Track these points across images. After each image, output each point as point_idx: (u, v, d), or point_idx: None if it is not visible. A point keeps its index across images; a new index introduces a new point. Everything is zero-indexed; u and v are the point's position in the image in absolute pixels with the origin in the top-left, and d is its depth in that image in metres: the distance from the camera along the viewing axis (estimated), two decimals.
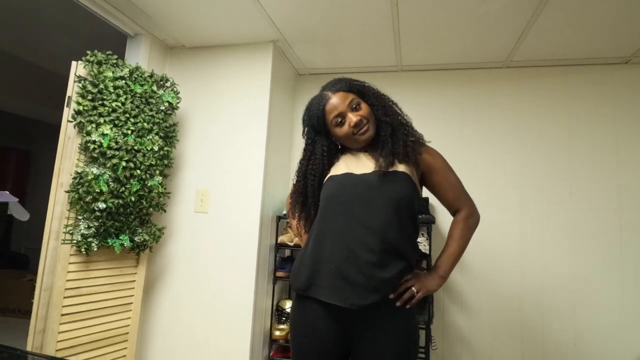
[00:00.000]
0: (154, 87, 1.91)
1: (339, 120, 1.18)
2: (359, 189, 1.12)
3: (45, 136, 4.52)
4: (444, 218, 2.25)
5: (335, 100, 1.18)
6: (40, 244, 1.60)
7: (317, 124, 1.22)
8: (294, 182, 1.31)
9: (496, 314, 2.16)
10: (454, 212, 1.25)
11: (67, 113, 1.70)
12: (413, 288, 1.09)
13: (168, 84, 2.02)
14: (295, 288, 1.18)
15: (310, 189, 1.24)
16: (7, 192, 0.86)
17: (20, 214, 0.87)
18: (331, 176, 1.20)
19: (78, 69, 1.70)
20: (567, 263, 2.10)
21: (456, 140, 2.34)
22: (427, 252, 2.00)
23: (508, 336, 2.13)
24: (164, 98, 1.94)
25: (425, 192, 2.29)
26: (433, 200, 2.22)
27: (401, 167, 1.15)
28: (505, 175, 2.25)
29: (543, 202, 2.18)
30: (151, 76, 1.92)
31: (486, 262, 2.20)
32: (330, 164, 1.24)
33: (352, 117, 1.16)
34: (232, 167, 2.14)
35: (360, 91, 1.20)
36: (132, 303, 1.90)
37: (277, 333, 2.13)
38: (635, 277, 2.02)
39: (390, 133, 1.17)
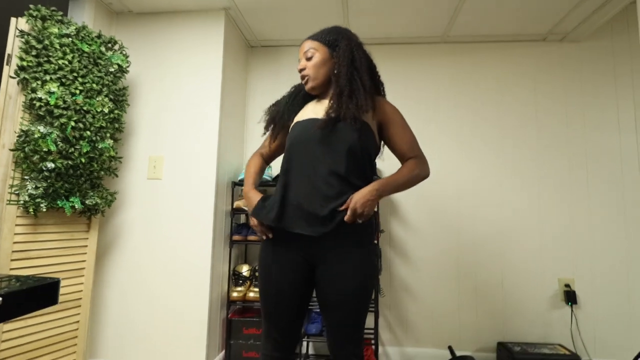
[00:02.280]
0: (102, 48, 1.88)
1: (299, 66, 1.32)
2: (318, 132, 1.21)
3: None
4: None
5: (302, 46, 1.31)
6: None
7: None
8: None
9: (435, 263, 2.39)
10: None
11: (7, 71, 1.63)
12: (350, 206, 1.14)
13: (116, 47, 1.98)
14: (267, 223, 1.24)
15: (283, 107, 1.36)
16: None
17: None
18: (296, 122, 1.30)
19: (19, 23, 1.63)
20: (495, 217, 2.38)
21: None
22: (374, 209, 2.16)
23: (446, 282, 2.37)
24: (113, 60, 1.90)
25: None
26: (380, 164, 2.40)
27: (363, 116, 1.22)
28: (441, 142, 2.47)
29: (474, 167, 2.43)
30: (99, 37, 1.88)
31: (426, 218, 2.42)
32: (305, 98, 1.37)
33: (300, 64, 1.31)
34: (185, 135, 2.15)
35: (332, 43, 1.28)
36: (84, 268, 1.87)
37: (235, 294, 2.19)
38: (551, 225, 2.34)
39: (338, 93, 1.22)
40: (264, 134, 1.42)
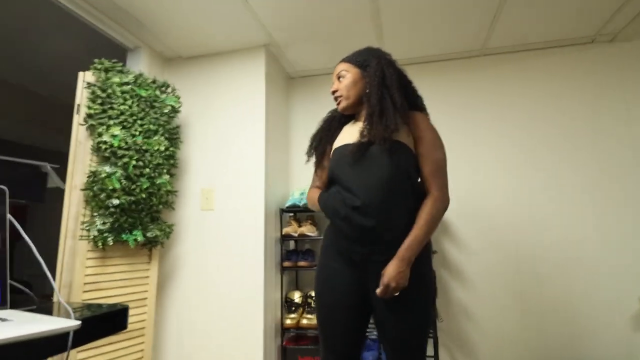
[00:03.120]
0: (157, 92, 2.04)
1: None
2: (350, 158, 1.23)
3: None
4: None
5: (335, 69, 1.37)
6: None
7: None
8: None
9: (494, 284, 2.25)
10: (426, 188, 1.24)
11: (77, 119, 1.81)
12: (384, 282, 1.11)
13: (169, 90, 2.14)
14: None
15: (320, 133, 1.43)
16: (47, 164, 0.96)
17: (59, 183, 0.97)
18: (335, 148, 1.33)
19: (86, 77, 1.82)
20: (557, 230, 2.22)
21: (443, 128, 2.47)
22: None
23: (507, 304, 2.22)
24: (167, 102, 2.06)
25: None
26: None
27: (395, 135, 1.20)
28: (491, 157, 2.38)
29: (528, 177, 2.31)
30: (154, 82, 2.05)
31: (480, 236, 2.31)
32: (342, 120, 1.41)
33: (332, 86, 1.35)
34: (234, 167, 2.25)
35: (362, 64, 1.31)
36: (147, 298, 1.97)
37: (288, 322, 2.19)
38: (623, 236, 2.14)
39: (369, 114, 1.23)
40: (307, 161, 1.46)
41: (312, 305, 2.25)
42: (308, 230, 2.26)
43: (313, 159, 1.45)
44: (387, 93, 1.23)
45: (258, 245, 2.12)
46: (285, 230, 2.29)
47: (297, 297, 2.30)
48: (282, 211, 2.37)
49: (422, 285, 1.18)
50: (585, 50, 2.36)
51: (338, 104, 1.34)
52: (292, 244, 2.54)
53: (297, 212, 2.43)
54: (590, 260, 2.16)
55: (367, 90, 1.26)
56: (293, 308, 2.27)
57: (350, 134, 1.31)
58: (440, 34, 2.23)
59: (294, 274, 2.53)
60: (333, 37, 2.23)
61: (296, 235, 2.26)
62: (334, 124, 1.41)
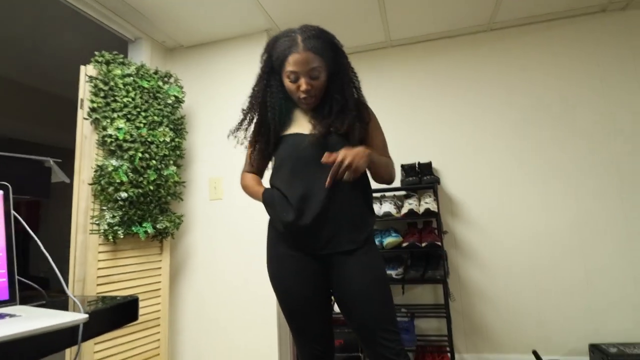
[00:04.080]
0: (160, 83, 2.02)
1: (293, 77, 1.16)
2: (310, 148, 1.18)
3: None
4: (447, 179, 2.34)
5: (300, 58, 1.12)
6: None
7: (276, 64, 1.21)
8: (248, 107, 1.33)
9: (507, 263, 2.23)
10: None
11: (81, 114, 1.80)
12: (339, 156, 1.03)
13: (172, 80, 2.12)
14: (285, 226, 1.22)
15: (271, 122, 1.25)
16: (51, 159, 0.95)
17: (63, 177, 0.97)
18: (285, 135, 1.26)
19: (88, 70, 1.80)
20: (571, 208, 2.18)
21: (449, 109, 2.43)
22: (436, 210, 2.08)
23: (522, 282, 2.20)
24: (170, 92, 2.04)
25: (428, 157, 2.37)
26: (436, 163, 2.32)
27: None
28: (499, 136, 2.32)
29: (539, 156, 2.25)
30: (156, 73, 2.03)
31: (492, 217, 2.28)
32: (288, 98, 1.26)
33: (304, 85, 1.16)
34: (241, 155, 2.22)
35: (331, 62, 1.20)
36: (160, 289, 1.99)
37: None
38: (637, 214, 2.09)
39: (328, 110, 1.20)
40: (252, 152, 1.38)
41: None
42: None
43: (246, 144, 1.37)
44: (350, 94, 1.24)
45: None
46: None
47: None
48: None
49: (372, 250, 1.20)
50: (595, 19, 2.27)
51: (309, 102, 1.21)
52: None
53: None
54: (606, 240, 2.12)
55: (333, 86, 1.21)
56: None
57: (300, 125, 1.26)
58: (446, 9, 2.15)
59: None
60: (334, 17, 2.18)
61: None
62: (283, 112, 1.29)
